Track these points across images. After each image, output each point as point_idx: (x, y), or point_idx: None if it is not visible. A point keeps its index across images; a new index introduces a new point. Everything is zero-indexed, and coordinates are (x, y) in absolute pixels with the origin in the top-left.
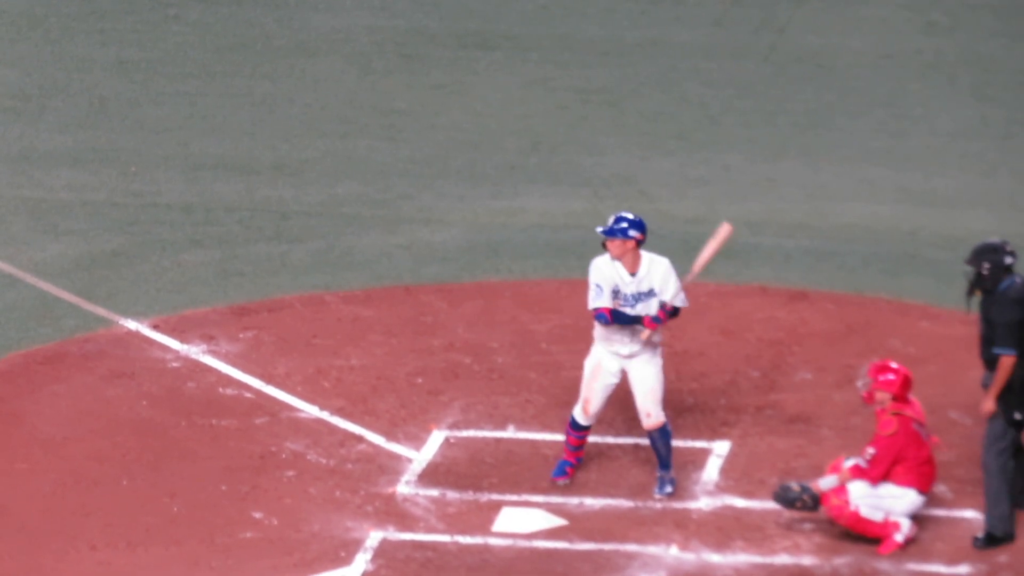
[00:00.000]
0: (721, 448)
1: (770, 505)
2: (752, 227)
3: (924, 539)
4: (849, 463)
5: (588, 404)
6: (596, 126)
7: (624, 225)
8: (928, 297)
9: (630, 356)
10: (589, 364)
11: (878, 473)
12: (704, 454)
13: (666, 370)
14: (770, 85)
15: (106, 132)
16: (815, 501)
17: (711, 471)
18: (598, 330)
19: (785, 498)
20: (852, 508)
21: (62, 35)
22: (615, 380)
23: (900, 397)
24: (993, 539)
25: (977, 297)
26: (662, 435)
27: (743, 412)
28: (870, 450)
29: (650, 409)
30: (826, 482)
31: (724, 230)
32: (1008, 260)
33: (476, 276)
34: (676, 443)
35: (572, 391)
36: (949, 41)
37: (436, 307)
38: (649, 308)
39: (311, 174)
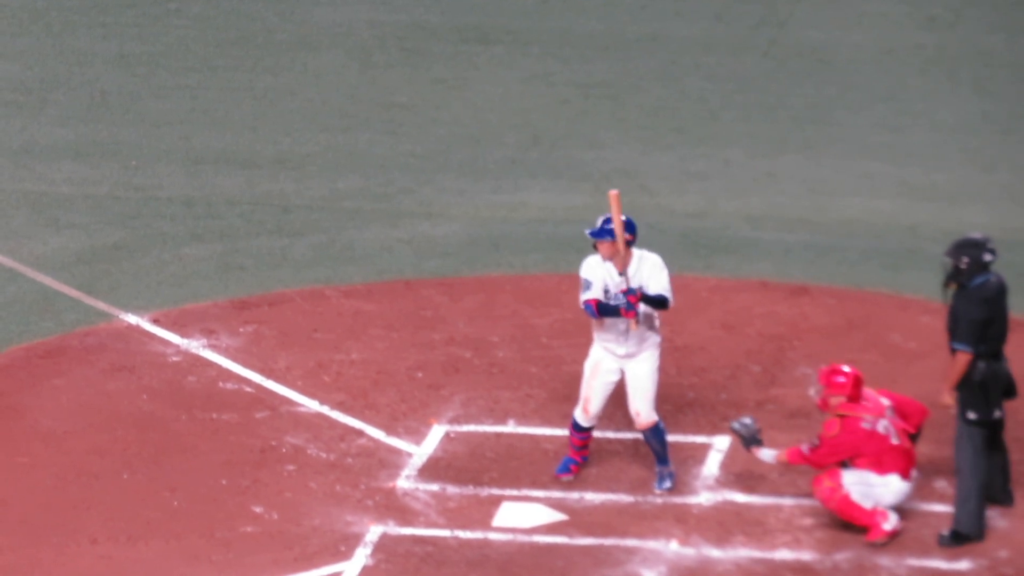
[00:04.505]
0: (721, 443)
1: (770, 500)
2: (752, 222)
3: (924, 535)
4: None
5: (588, 403)
6: (596, 120)
7: (613, 226)
8: (928, 292)
9: (627, 356)
10: (589, 364)
11: (813, 460)
12: (704, 449)
13: (666, 365)
14: (770, 80)
15: (107, 126)
16: (748, 441)
17: (711, 466)
18: (595, 330)
19: (737, 428)
20: (843, 492)
21: (63, 29)
22: (615, 378)
23: (853, 397)
24: (960, 536)
25: (951, 290)
26: (655, 433)
27: (744, 407)
28: (815, 440)
29: (639, 408)
30: (767, 453)
31: (613, 198)
32: (987, 257)
33: (477, 270)
34: (677, 438)
35: (573, 385)
36: (950, 36)
37: (437, 301)
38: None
39: (312, 168)
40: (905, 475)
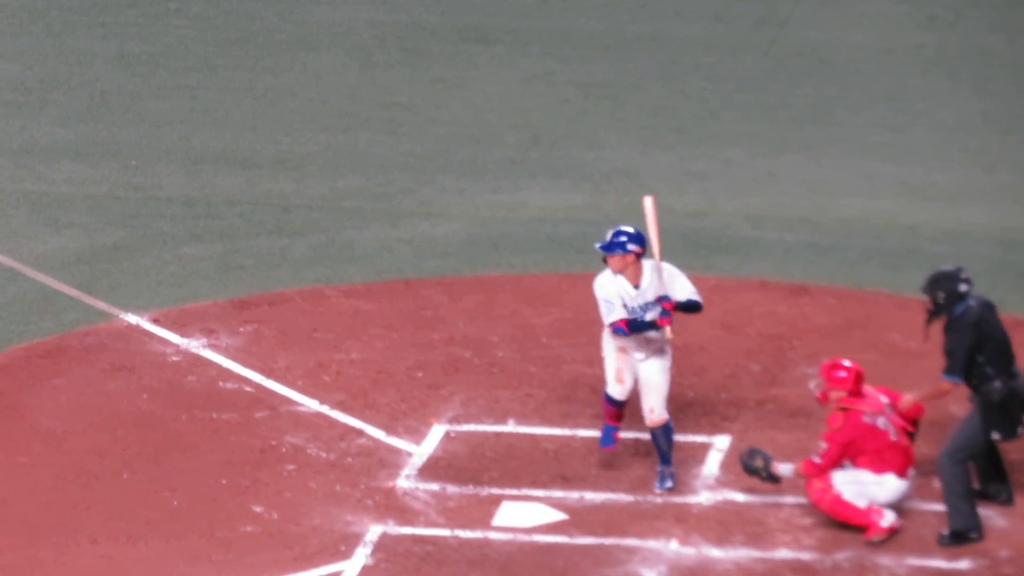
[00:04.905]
0: (721, 443)
1: (770, 499)
2: (752, 221)
3: (925, 534)
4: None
5: (621, 374)
6: (596, 120)
7: (623, 239)
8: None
9: (643, 360)
10: (611, 347)
11: (827, 465)
12: (704, 448)
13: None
14: (771, 79)
15: (107, 126)
16: (771, 478)
17: (711, 465)
18: (613, 337)
19: (748, 465)
20: (834, 492)
21: (63, 29)
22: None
23: (854, 392)
24: (960, 535)
25: (932, 325)
26: (664, 432)
27: (744, 407)
28: (822, 444)
29: (654, 405)
30: (784, 468)
31: (650, 205)
32: (962, 288)
33: (477, 270)
34: (677, 438)
35: (573, 385)
36: (950, 36)
37: (437, 301)
38: (658, 314)
39: (312, 168)
40: (902, 473)
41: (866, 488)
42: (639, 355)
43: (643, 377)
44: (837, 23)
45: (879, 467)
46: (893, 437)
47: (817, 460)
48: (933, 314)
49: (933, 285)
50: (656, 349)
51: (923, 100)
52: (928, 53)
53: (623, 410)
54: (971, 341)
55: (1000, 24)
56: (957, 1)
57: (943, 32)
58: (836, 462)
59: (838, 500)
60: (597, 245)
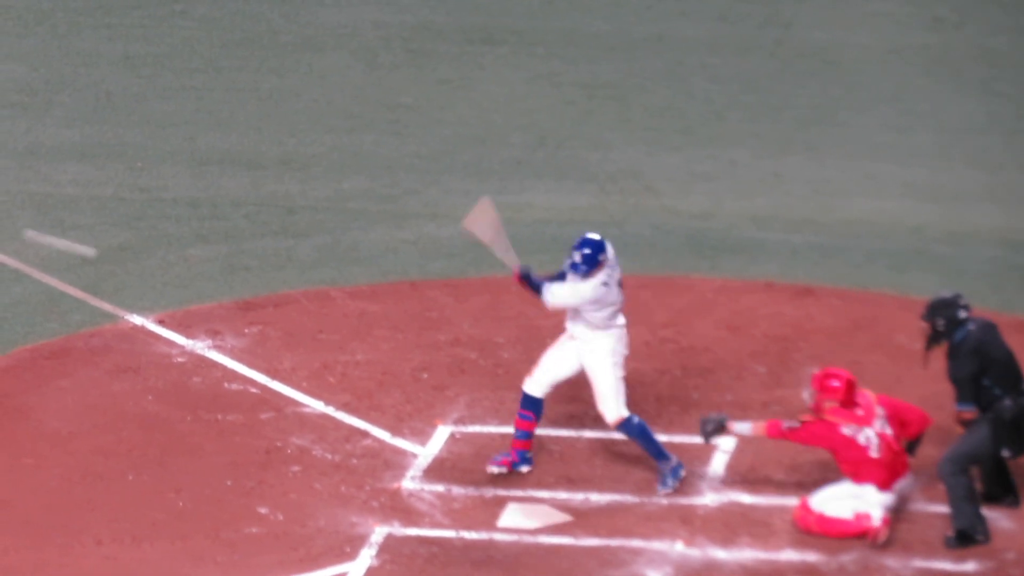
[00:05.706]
0: (726, 444)
1: (776, 501)
2: (758, 222)
3: (930, 536)
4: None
5: (535, 367)
6: (602, 121)
7: (588, 251)
8: (934, 293)
9: (581, 341)
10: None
11: (791, 436)
12: (709, 450)
13: (671, 366)
14: (776, 80)
15: (113, 127)
16: (718, 428)
17: (717, 467)
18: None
19: (703, 429)
20: (816, 513)
21: (69, 30)
22: (568, 357)
23: (846, 402)
24: (965, 537)
25: (931, 351)
26: (627, 431)
27: (749, 408)
28: (801, 417)
29: (601, 410)
30: (740, 426)
31: (488, 207)
32: (961, 314)
33: (482, 271)
34: (682, 439)
35: (577, 387)
36: (956, 36)
37: (442, 302)
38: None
39: (317, 169)
40: (884, 486)
41: (843, 502)
42: (574, 330)
43: (588, 376)
44: (842, 24)
45: (858, 478)
46: (873, 453)
47: (784, 427)
48: (933, 340)
49: (932, 312)
50: (581, 330)
51: (928, 101)
52: (933, 54)
53: (532, 427)
54: (974, 368)
55: (1005, 25)
56: (962, 2)
57: (948, 33)
58: (802, 440)
59: (823, 519)
60: (580, 272)
